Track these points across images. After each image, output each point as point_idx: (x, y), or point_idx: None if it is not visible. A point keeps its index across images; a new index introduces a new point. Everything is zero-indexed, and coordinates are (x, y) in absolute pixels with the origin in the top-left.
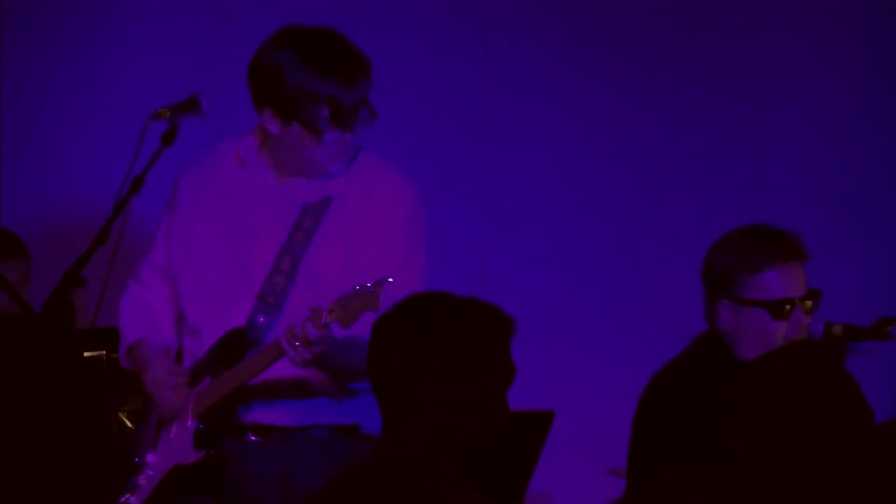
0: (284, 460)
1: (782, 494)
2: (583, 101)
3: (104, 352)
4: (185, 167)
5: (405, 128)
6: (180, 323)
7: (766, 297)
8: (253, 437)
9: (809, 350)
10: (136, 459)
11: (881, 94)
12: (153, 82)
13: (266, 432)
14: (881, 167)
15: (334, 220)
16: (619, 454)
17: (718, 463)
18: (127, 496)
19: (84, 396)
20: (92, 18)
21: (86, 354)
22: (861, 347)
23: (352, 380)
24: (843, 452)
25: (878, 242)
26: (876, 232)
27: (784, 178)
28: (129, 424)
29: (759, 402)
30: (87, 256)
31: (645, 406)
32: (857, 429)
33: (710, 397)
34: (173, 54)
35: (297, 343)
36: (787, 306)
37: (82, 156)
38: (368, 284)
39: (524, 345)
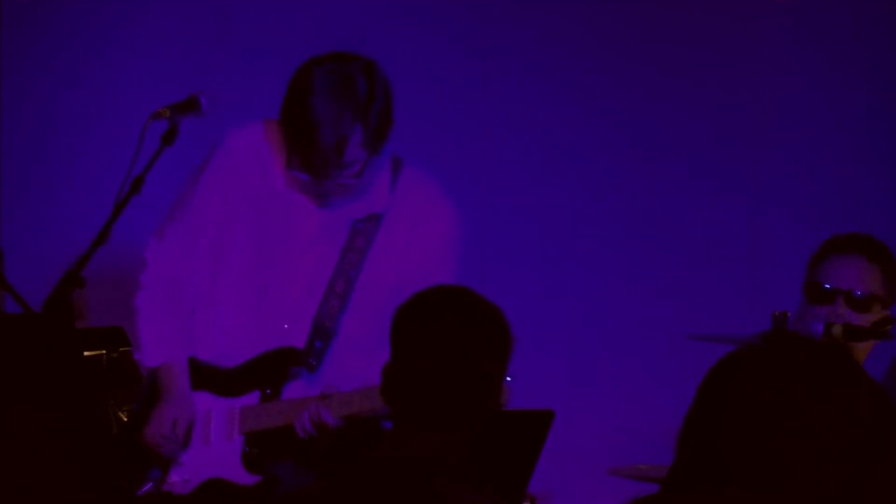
0: None
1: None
2: (587, 100)
3: (104, 351)
4: (215, 153)
5: (406, 125)
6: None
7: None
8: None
9: (818, 348)
10: (159, 450)
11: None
12: (153, 81)
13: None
14: (882, 168)
15: (386, 240)
16: (620, 453)
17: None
18: (150, 485)
19: (84, 396)
20: (90, 18)
21: (86, 354)
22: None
23: None
24: (874, 448)
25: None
26: (877, 233)
27: (785, 177)
28: (127, 422)
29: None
30: (87, 256)
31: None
32: (885, 426)
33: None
34: (173, 54)
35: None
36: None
37: (81, 156)
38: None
39: (524, 343)
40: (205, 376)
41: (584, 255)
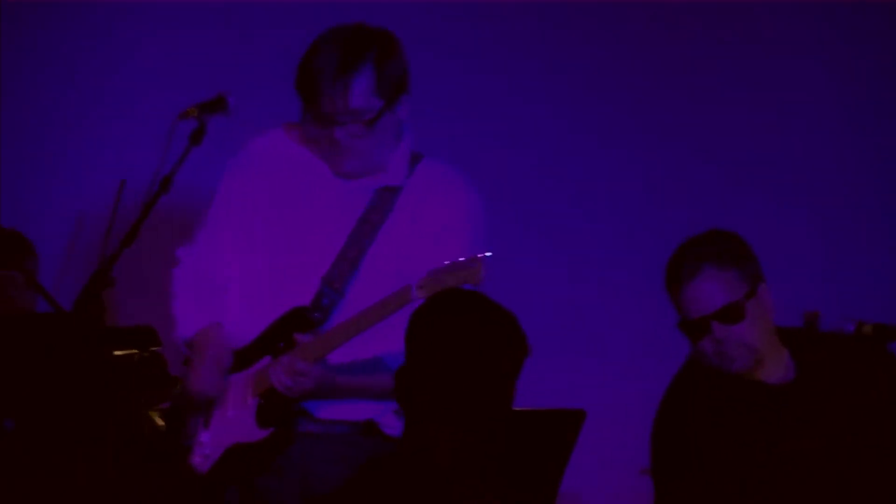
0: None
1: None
2: (608, 94)
3: (136, 350)
4: (237, 155)
5: (420, 124)
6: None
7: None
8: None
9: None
10: (186, 442)
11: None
12: (180, 81)
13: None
14: None
15: (399, 216)
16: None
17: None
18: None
19: (114, 395)
20: (116, 16)
21: (117, 353)
22: None
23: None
24: None
25: None
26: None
27: (812, 174)
28: (160, 423)
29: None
30: (117, 256)
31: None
32: None
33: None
34: (199, 53)
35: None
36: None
37: (110, 155)
38: (462, 259)
39: (555, 343)
40: None
41: (616, 251)
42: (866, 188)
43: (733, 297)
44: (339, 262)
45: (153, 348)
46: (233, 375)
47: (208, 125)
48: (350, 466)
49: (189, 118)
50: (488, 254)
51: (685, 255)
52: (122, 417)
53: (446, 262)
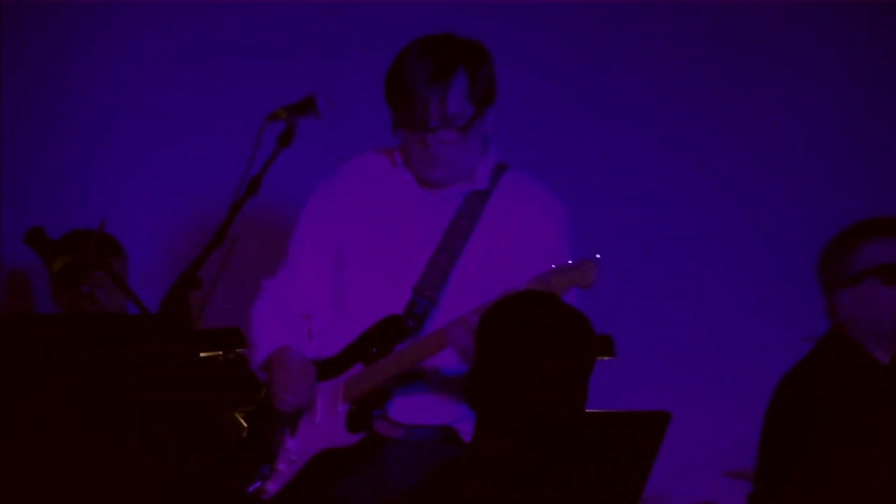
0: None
1: None
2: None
3: (220, 352)
4: (324, 181)
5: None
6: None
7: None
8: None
9: None
10: (272, 448)
11: None
12: (270, 84)
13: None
14: None
15: (487, 223)
16: (736, 455)
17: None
18: (259, 483)
19: (200, 397)
20: (205, 21)
21: (202, 355)
22: None
23: None
24: None
25: None
26: None
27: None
28: (244, 425)
29: None
30: (204, 258)
31: (775, 408)
32: None
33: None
34: (288, 56)
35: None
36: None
37: (199, 157)
38: (570, 262)
39: (639, 345)
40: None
41: (704, 255)
42: None
43: None
44: (430, 270)
45: (239, 350)
46: (321, 384)
47: (297, 127)
48: (426, 471)
49: (278, 120)
50: (598, 256)
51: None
52: (207, 419)
53: (553, 266)
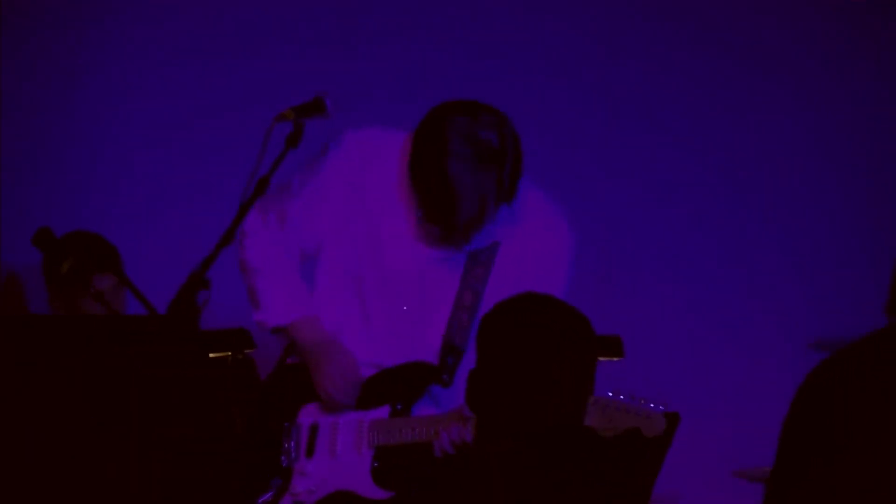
0: None
1: None
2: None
3: (229, 353)
4: (355, 146)
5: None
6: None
7: None
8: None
9: None
10: (284, 461)
11: None
12: (277, 83)
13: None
14: None
15: (503, 265)
16: (744, 455)
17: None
18: (270, 494)
19: (210, 398)
20: (214, 20)
21: (211, 356)
22: None
23: None
24: None
25: None
26: None
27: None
28: (251, 422)
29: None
30: (212, 258)
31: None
32: None
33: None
34: (296, 56)
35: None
36: None
37: (207, 158)
38: (651, 405)
39: (648, 346)
40: None
41: (709, 256)
42: None
43: None
44: (454, 320)
45: (247, 350)
46: (343, 412)
47: (305, 128)
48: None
49: (286, 121)
50: (678, 414)
51: None
52: (216, 420)
53: (620, 397)
